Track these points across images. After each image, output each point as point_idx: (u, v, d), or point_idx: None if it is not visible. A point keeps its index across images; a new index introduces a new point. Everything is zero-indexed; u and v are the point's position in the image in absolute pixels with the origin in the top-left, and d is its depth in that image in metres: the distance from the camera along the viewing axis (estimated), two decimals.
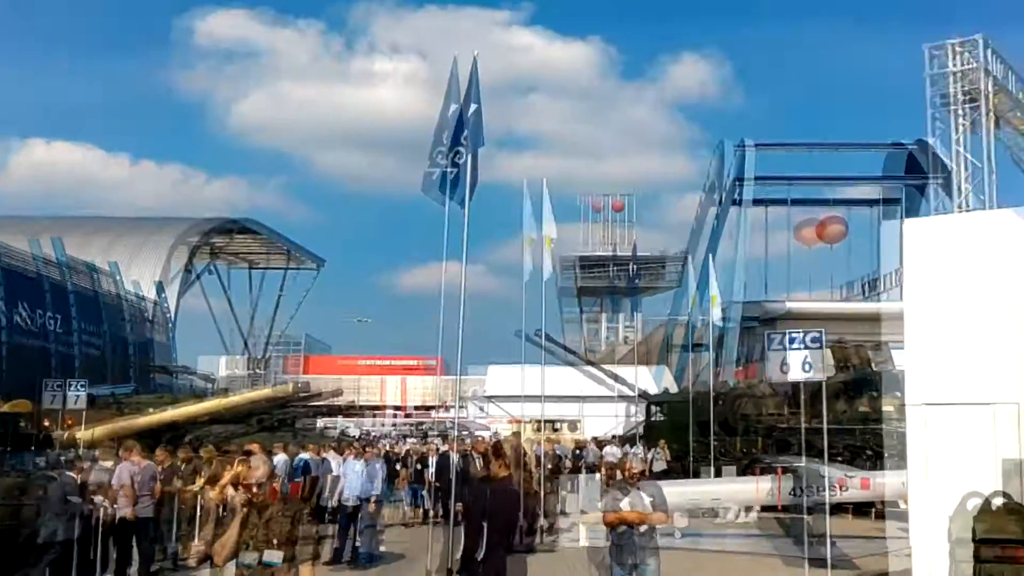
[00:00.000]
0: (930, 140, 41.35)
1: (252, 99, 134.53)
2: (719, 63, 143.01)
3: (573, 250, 68.95)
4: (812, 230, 53.47)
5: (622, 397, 37.84)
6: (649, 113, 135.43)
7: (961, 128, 33.33)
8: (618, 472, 8.86)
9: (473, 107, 12.36)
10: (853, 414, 25.30)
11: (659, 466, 25.89)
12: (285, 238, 66.79)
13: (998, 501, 7.10)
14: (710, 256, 36.87)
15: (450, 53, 12.73)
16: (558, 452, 23.61)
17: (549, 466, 19.93)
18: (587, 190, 77.20)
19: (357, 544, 14.65)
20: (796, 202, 52.93)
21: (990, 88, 33.30)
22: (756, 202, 51.18)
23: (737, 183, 50.47)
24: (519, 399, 31.62)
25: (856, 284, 54.07)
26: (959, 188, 34.15)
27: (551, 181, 20.74)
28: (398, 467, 22.78)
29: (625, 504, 8.18)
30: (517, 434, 29.09)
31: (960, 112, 33.30)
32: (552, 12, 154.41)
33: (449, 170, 12.01)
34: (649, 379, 43.09)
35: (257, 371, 65.29)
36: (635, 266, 44.79)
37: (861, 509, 18.72)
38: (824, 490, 15.04)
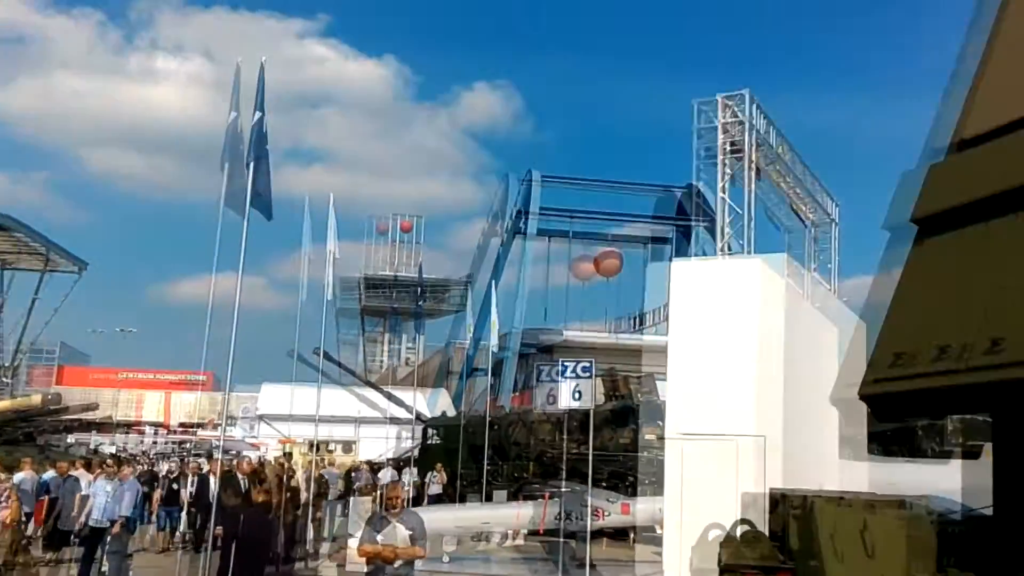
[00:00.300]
0: (699, 185, 44.25)
1: (17, 87, 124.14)
2: (510, 95, 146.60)
3: (357, 269, 68.17)
4: (589, 264, 55.66)
5: (398, 420, 37.57)
6: (440, 137, 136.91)
7: (725, 176, 35.77)
8: (386, 499, 8.55)
9: (257, 116, 11.92)
10: (619, 442, 26.33)
11: (435, 490, 25.87)
12: (43, 237, 61.61)
13: (741, 529, 7.50)
14: (492, 283, 37.47)
15: (239, 57, 12.18)
16: (325, 476, 22.97)
17: (316, 490, 19.33)
18: (375, 209, 76.52)
19: (103, 570, 13.58)
20: (577, 236, 54.99)
21: (753, 141, 35.95)
22: (539, 233, 52.65)
23: (523, 214, 51.76)
24: (292, 419, 30.62)
25: (627, 318, 56.74)
26: (721, 233, 36.60)
27: (338, 197, 20.32)
28: (155, 487, 21.36)
29: (383, 536, 7.94)
30: (288, 455, 28.21)
31: (725, 161, 35.73)
32: (348, 27, 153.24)
33: (239, 180, 11.53)
34: (428, 402, 43.12)
35: (3, 380, 59.64)
36: (419, 288, 44.68)
37: (620, 534, 19.47)
38: (587, 515, 15.51)
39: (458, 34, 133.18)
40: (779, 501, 6.36)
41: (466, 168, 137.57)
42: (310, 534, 16.96)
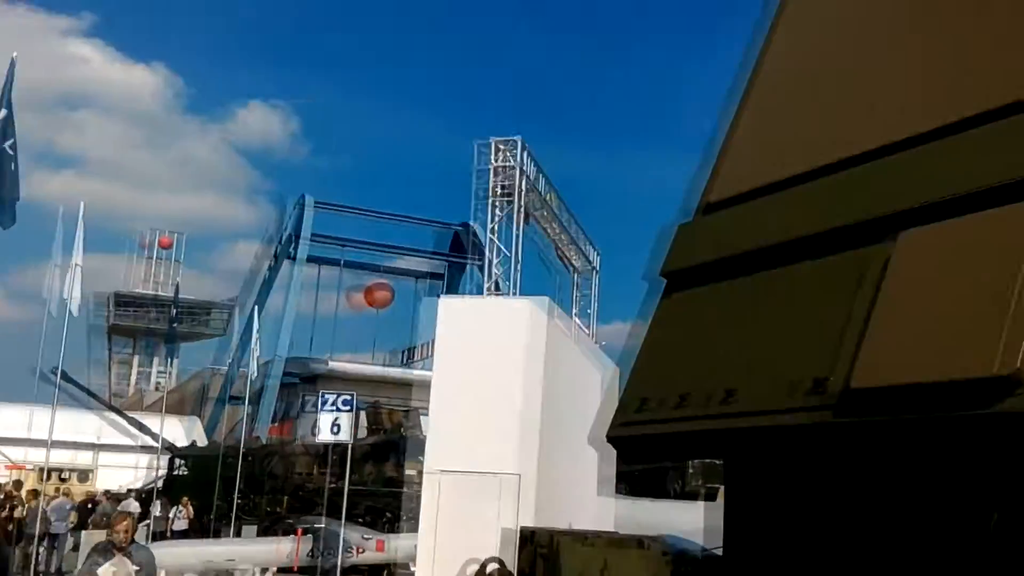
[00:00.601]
0: (473, 224, 45.21)
1: None
2: (287, 116, 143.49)
3: (112, 285, 63.91)
4: (360, 294, 55.19)
5: (144, 448, 35.31)
6: (211, 152, 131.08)
7: (495, 218, 36.77)
8: (112, 531, 7.89)
9: (3, 113, 10.98)
10: (380, 477, 26.10)
11: (180, 525, 24.43)
12: None
13: (492, 567, 7.59)
14: (256, 308, 36.27)
15: None
16: (53, 506, 21.10)
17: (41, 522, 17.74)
18: (136, 223, 72.22)
19: None
20: (349, 265, 54.41)
21: (523, 186, 37.21)
22: (310, 260, 51.64)
23: (293, 238, 50.59)
24: (29, 443, 28.07)
25: (397, 351, 56.64)
26: (489, 273, 37.52)
27: (93, 207, 19.00)
28: None
29: (106, 570, 7.37)
30: (18, 483, 25.74)
31: (496, 203, 36.77)
32: (116, 29, 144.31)
33: None
34: (179, 430, 40.78)
35: None
36: (176, 309, 42.38)
37: (377, 571, 19.20)
38: (341, 552, 15.19)
39: (234, 49, 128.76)
40: (528, 539, 6.49)
41: (237, 187, 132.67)
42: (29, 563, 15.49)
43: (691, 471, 24.89)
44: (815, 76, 3.78)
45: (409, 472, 25.01)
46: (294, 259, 50.80)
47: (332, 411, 12.91)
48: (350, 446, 14.69)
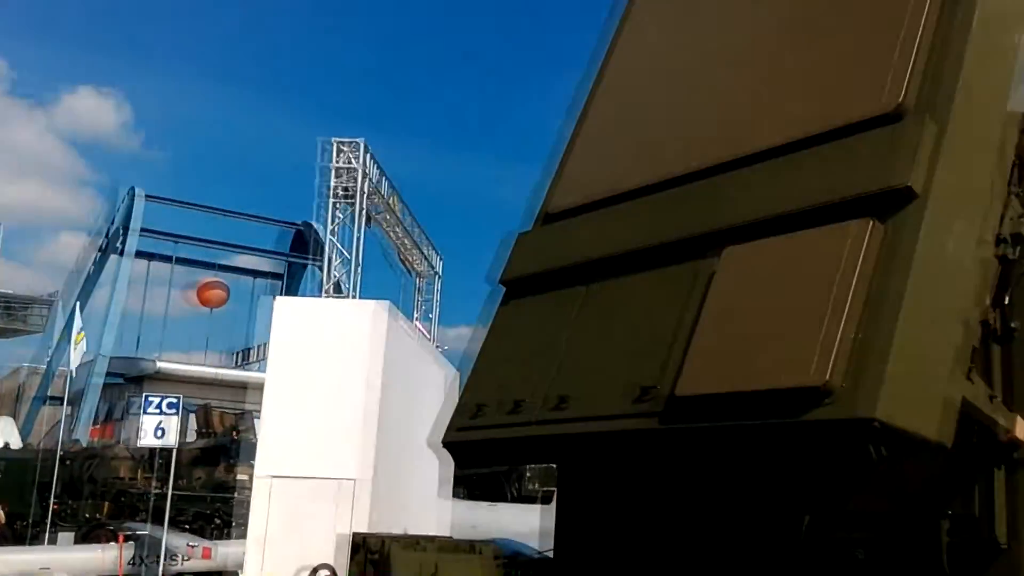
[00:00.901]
0: (315, 224, 44.30)
1: None
2: (118, 104, 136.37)
3: None
4: (193, 292, 53.09)
5: None
6: (36, 138, 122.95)
7: (338, 219, 36.29)
8: None
9: None
10: (210, 481, 25.18)
11: None
12: None
13: (323, 574, 7.47)
14: (78, 304, 34.20)
15: None
16: None
17: None
18: None
19: None
20: (182, 261, 52.12)
21: (365, 189, 36.87)
22: (140, 255, 49.17)
23: (122, 231, 48.07)
24: None
25: (232, 352, 54.79)
26: (329, 274, 36.98)
27: None
28: None
29: None
30: None
31: (337, 205, 36.29)
32: None
33: None
34: None
35: None
36: None
37: None
38: (163, 559, 14.56)
39: (64, 32, 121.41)
40: (360, 545, 6.43)
41: (63, 176, 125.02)
42: None
43: (529, 474, 25.29)
44: (652, 94, 3.92)
45: (241, 477, 24.23)
46: (122, 253, 48.26)
47: (156, 414, 12.33)
48: (175, 450, 14.08)
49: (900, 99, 2.68)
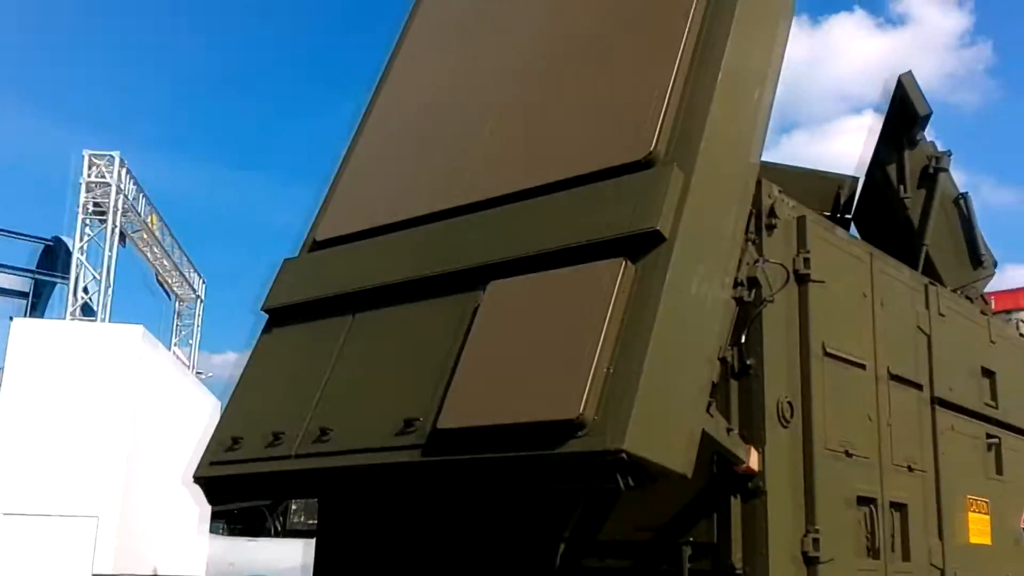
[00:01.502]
0: (67, 240, 40.94)
1: None
2: None
3: None
4: None
5: None
6: None
7: (85, 236, 33.92)
8: None
9: None
10: None
11: None
12: None
13: None
14: None
15: None
16: None
17: None
18: None
19: None
20: None
21: (119, 205, 34.73)
22: None
23: None
24: None
25: None
26: (74, 295, 34.39)
27: None
28: None
29: None
30: None
31: (88, 221, 33.95)
32: None
33: None
34: None
35: None
36: None
37: None
38: None
39: None
40: None
41: None
42: None
43: (295, 507, 24.41)
44: (422, 127, 3.94)
45: None
46: None
47: None
48: None
49: (651, 148, 2.85)
